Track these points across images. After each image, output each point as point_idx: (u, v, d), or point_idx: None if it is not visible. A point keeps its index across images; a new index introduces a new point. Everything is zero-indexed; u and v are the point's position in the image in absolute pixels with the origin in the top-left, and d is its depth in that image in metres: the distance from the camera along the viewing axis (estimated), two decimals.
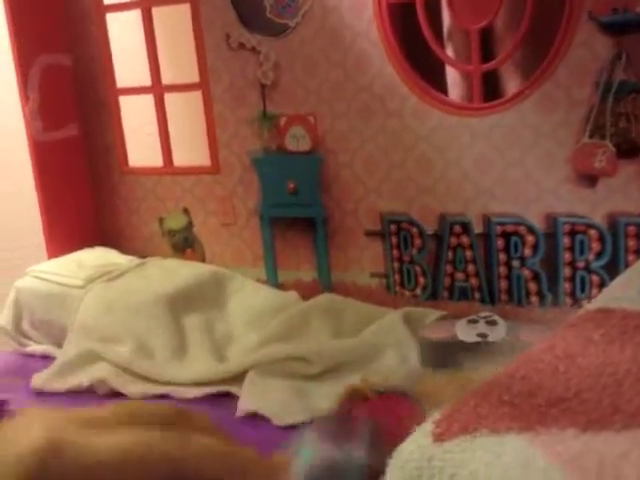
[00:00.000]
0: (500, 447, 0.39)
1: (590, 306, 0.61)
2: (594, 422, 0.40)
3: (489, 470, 0.38)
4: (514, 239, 0.80)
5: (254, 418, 0.71)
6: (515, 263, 0.81)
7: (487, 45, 0.81)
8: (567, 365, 0.48)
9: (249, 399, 0.73)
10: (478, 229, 0.82)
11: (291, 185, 0.91)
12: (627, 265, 0.75)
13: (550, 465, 0.37)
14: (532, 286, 0.81)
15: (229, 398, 0.76)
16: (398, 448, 0.42)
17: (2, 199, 1.15)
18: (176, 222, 1.02)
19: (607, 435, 0.39)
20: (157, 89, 0.98)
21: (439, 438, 0.41)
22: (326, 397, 0.73)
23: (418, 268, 0.87)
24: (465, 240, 0.83)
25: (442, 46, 0.83)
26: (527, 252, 0.80)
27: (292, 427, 0.69)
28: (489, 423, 0.41)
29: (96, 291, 0.91)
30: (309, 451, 0.55)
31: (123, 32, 1.01)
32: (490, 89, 0.81)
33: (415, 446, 0.41)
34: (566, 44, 0.74)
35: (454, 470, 0.39)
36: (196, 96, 0.95)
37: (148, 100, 0.99)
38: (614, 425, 0.40)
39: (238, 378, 0.77)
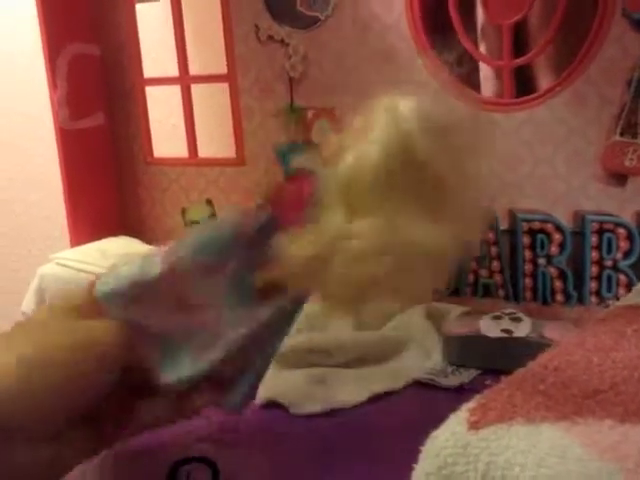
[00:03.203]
0: (536, 436, 0.39)
1: (619, 303, 0.60)
2: (632, 414, 0.40)
3: (525, 458, 0.38)
4: (540, 236, 0.80)
5: (274, 406, 0.71)
6: (541, 261, 0.80)
7: (519, 41, 0.80)
8: (601, 358, 0.48)
9: (268, 387, 0.73)
10: (504, 225, 0.82)
11: None
12: None
13: (587, 454, 0.37)
14: (558, 284, 0.80)
15: None
16: (432, 435, 0.42)
17: (27, 187, 1.16)
18: (199, 213, 1.02)
19: None
20: (184, 80, 0.98)
21: (474, 426, 0.41)
22: (346, 389, 0.73)
23: None
24: (490, 236, 0.82)
25: (474, 41, 0.83)
26: (554, 250, 0.79)
27: (309, 416, 0.69)
28: (524, 412, 0.41)
29: None
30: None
31: (152, 22, 1.02)
32: (522, 85, 0.80)
33: (450, 433, 0.41)
34: (599, 41, 0.74)
35: (490, 458, 0.39)
36: (223, 88, 0.95)
37: (174, 91, 0.99)
38: None
39: None
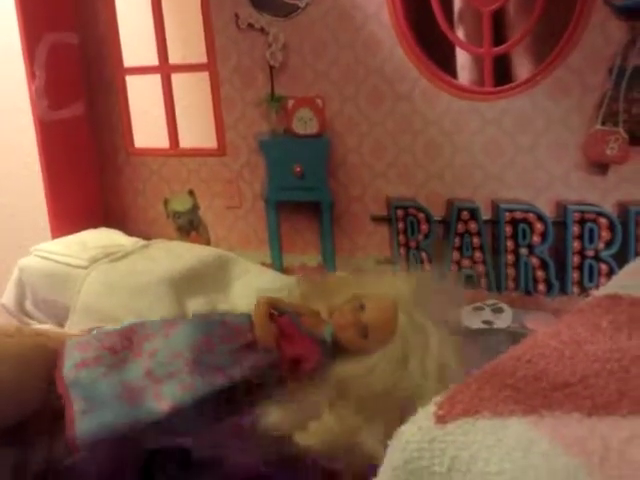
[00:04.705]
0: (502, 430, 0.38)
1: (598, 293, 0.60)
2: (600, 407, 0.39)
3: (490, 453, 0.37)
4: (522, 226, 0.79)
5: None
6: (523, 251, 0.80)
7: (499, 29, 0.79)
8: (573, 350, 0.47)
9: None
10: (486, 215, 0.81)
11: (298, 169, 0.90)
12: (637, 254, 0.74)
13: (553, 448, 0.36)
14: (540, 274, 0.80)
15: None
16: (399, 429, 0.41)
17: (7, 178, 1.15)
18: (181, 204, 1.01)
19: (613, 420, 0.38)
20: (164, 69, 0.97)
21: (441, 420, 0.40)
22: None
23: (424, 254, 0.85)
24: (473, 226, 0.82)
25: (453, 29, 0.82)
26: (535, 240, 0.79)
27: None
28: (491, 406, 0.41)
29: (99, 271, 0.90)
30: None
31: (131, 11, 1.00)
32: (501, 73, 0.79)
33: (416, 427, 0.40)
34: (580, 29, 0.73)
35: (455, 452, 0.38)
36: (203, 77, 0.94)
37: (155, 81, 0.98)
38: (620, 410, 0.39)
39: None
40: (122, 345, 0.56)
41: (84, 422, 0.52)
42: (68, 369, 0.54)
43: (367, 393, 0.55)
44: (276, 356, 0.57)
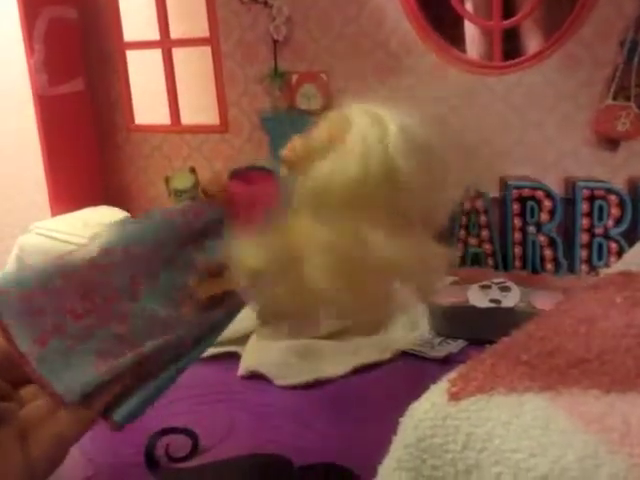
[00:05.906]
0: (518, 407, 0.37)
1: (610, 270, 0.59)
2: (618, 383, 0.38)
3: (506, 430, 0.36)
4: (530, 204, 0.78)
5: (256, 378, 0.70)
6: (531, 229, 0.79)
7: (508, 1, 0.78)
8: (588, 327, 0.46)
9: (251, 359, 0.72)
10: (494, 193, 0.80)
11: None
12: None
13: (572, 425, 0.35)
14: (548, 253, 0.78)
15: (236, 359, 0.74)
16: (411, 407, 0.40)
17: (5, 155, 1.13)
18: (183, 182, 0.99)
19: (632, 396, 0.37)
20: (165, 43, 0.95)
21: (454, 397, 0.39)
22: (331, 360, 0.72)
23: None
24: (480, 204, 0.80)
25: (462, 1, 0.80)
26: (544, 217, 0.77)
27: (293, 388, 0.68)
28: (506, 382, 0.40)
29: None
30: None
31: None
32: (510, 47, 0.78)
33: (429, 405, 0.39)
34: (591, 1, 0.71)
35: (470, 430, 0.37)
36: (205, 52, 0.93)
37: (155, 56, 0.96)
38: (639, 387, 0.38)
39: (245, 339, 0.76)
40: (84, 308, 0.45)
41: None
42: (26, 346, 0.42)
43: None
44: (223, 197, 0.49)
